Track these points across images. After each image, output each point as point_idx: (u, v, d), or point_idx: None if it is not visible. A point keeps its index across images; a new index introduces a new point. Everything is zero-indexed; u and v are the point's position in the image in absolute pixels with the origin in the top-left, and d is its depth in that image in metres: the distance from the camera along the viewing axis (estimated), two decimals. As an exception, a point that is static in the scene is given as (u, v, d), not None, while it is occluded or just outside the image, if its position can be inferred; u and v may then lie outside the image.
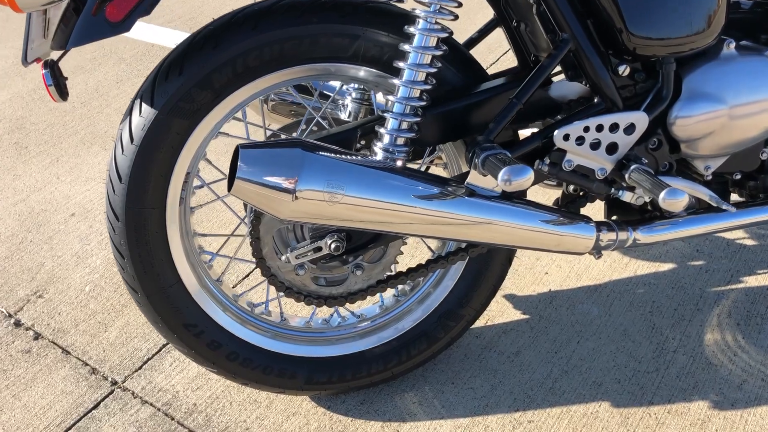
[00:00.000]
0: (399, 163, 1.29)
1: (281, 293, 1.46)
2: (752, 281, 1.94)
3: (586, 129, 1.31)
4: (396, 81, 1.29)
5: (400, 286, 1.64)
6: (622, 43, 1.31)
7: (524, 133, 1.44)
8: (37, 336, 1.96)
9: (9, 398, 1.79)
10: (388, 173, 1.22)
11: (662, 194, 1.25)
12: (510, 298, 1.94)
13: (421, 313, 1.63)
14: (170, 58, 1.36)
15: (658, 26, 1.30)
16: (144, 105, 1.36)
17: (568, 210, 1.41)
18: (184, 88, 1.34)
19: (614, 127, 1.33)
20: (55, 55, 1.37)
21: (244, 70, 1.35)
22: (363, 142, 1.36)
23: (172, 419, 1.70)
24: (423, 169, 1.67)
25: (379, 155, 1.30)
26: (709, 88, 1.36)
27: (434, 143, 1.38)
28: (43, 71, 1.34)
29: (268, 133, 1.54)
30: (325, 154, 1.17)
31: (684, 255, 2.04)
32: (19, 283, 2.14)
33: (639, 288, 1.94)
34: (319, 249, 1.39)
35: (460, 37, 1.61)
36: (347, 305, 1.64)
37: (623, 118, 1.32)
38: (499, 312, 1.89)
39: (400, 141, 1.31)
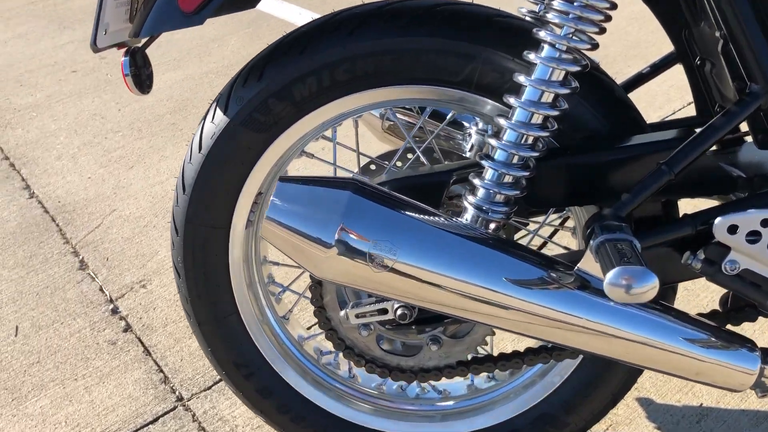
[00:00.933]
0: (491, 227, 0.99)
1: (339, 351, 1.22)
2: None
3: (765, 223, 0.92)
4: (502, 121, 0.99)
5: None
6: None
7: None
8: (127, 328, 1.89)
9: (81, 390, 1.73)
10: (464, 240, 0.92)
11: None
12: (644, 403, 1.54)
13: (516, 406, 1.31)
14: (255, 59, 1.17)
15: None
16: (218, 111, 1.18)
17: (721, 325, 1.02)
18: (261, 96, 1.14)
19: (810, 227, 0.93)
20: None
21: (331, 83, 1.12)
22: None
23: (222, 457, 1.53)
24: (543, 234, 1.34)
25: (468, 213, 1.00)
26: None
27: (546, 206, 1.06)
28: (123, 58, 1.21)
29: (364, 160, 1.30)
30: (383, 203, 0.91)
31: None
32: (130, 268, 2.10)
33: (828, 431, 1.45)
34: (384, 312, 1.12)
35: (626, 71, 1.26)
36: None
37: (826, 216, 0.92)
38: (625, 419, 1.50)
39: (499, 198, 1.01)
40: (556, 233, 1.43)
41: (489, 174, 1.00)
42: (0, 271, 2.14)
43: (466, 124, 1.40)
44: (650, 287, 0.80)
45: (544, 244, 1.38)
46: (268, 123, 1.15)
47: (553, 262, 0.97)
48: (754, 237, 0.93)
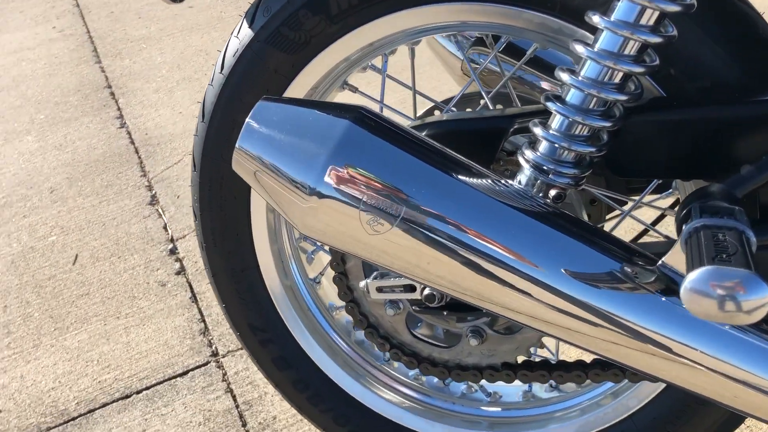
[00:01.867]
0: (551, 193, 0.73)
1: (361, 329, 1.00)
2: None
3: None
4: (580, 49, 0.71)
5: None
6: None
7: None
8: (180, 271, 1.77)
9: (120, 330, 1.62)
10: (501, 206, 0.66)
11: None
12: (756, 447, 1.21)
13: (577, 428, 1.04)
14: (296, -37, 0.95)
15: None
16: (245, 24, 0.98)
17: None
18: (291, 7, 0.92)
19: None
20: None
21: (376, -7, 0.88)
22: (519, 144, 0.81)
23: (243, 426, 1.37)
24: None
25: (523, 173, 0.74)
26: None
27: (634, 175, 0.78)
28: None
29: (425, 103, 1.05)
30: (395, 142, 0.66)
31: None
32: (197, 209, 1.98)
33: None
34: (411, 289, 0.89)
35: None
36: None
37: None
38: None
39: (567, 156, 0.74)
40: (662, 218, 1.13)
41: (556, 121, 0.73)
42: (75, 198, 2.10)
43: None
44: (756, 303, 0.52)
45: (643, 233, 1.08)
46: (298, 41, 0.94)
47: (632, 251, 0.70)
48: None
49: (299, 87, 0.98)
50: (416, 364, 0.99)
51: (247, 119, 0.70)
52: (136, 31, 3.15)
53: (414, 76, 1.02)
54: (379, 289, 0.92)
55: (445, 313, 0.88)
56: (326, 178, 0.64)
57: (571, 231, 0.68)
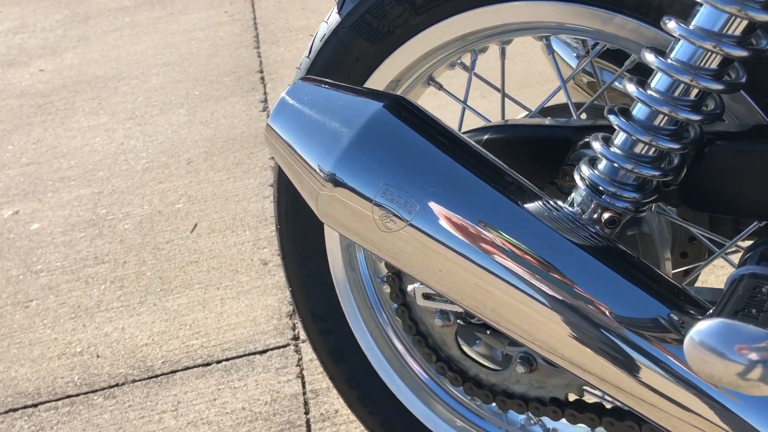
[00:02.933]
0: (604, 217, 0.65)
1: (409, 335, 0.96)
2: None
3: None
4: (651, 58, 0.63)
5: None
6: None
7: None
8: (283, 253, 1.80)
9: (217, 300, 1.69)
10: (534, 221, 0.60)
11: None
12: None
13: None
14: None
15: None
16: (334, 10, 0.97)
17: None
18: (377, -6, 0.90)
19: None
20: None
21: (463, -14, 0.84)
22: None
23: (305, 413, 1.37)
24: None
25: (577, 192, 0.67)
26: None
27: (707, 210, 0.68)
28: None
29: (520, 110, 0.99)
30: (428, 136, 0.61)
31: None
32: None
33: None
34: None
35: None
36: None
37: None
38: None
39: (628, 178, 0.65)
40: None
41: (619, 138, 0.65)
42: (207, 171, 2.21)
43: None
44: (755, 375, 0.42)
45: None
46: (382, 30, 0.91)
47: (685, 297, 0.60)
48: None
49: (380, 77, 0.95)
50: (461, 382, 0.93)
51: (281, 96, 0.69)
52: (298, 21, 3.28)
53: (503, 77, 0.96)
54: (426, 296, 0.88)
55: (488, 332, 0.82)
56: (343, 165, 0.61)
57: (612, 261, 0.60)
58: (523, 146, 0.76)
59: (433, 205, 0.60)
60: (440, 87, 1.00)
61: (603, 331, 0.58)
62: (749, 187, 0.65)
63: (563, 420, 1.04)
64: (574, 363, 0.61)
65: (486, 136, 0.78)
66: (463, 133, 0.81)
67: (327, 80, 0.73)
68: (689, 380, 0.53)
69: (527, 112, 0.98)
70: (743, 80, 0.62)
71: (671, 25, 0.61)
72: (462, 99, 0.97)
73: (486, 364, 0.92)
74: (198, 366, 1.52)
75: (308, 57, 0.99)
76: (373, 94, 0.67)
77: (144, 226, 2.00)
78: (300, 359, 1.49)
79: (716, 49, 0.58)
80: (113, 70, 3.09)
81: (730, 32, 0.58)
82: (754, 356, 0.42)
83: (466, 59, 0.97)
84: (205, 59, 3.06)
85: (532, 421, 1.07)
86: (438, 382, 1.10)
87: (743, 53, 0.58)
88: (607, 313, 0.57)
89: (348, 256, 1.10)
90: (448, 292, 0.64)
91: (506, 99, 0.98)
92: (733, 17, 0.57)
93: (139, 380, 1.50)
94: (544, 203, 0.64)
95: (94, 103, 2.82)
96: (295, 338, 1.55)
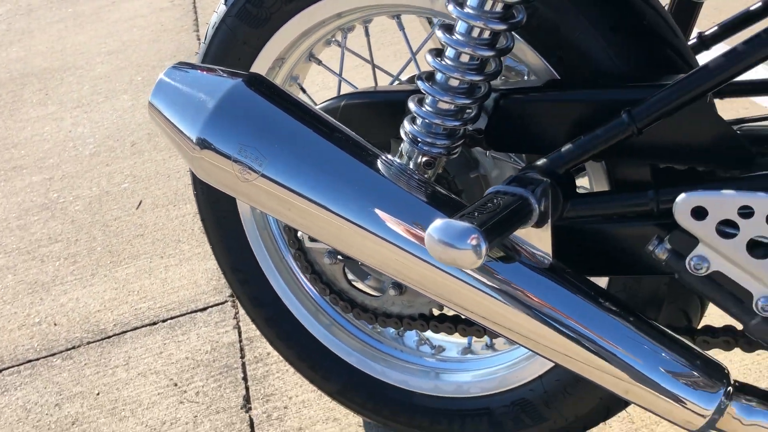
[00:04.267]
0: (423, 160, 0.83)
1: (306, 274, 1.14)
2: None
3: (746, 212, 0.65)
4: (440, 34, 0.80)
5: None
6: None
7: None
8: (221, 222, 1.97)
9: (162, 267, 1.85)
10: (357, 165, 0.77)
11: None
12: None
13: (496, 384, 1.13)
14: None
15: None
16: (222, 1, 1.13)
17: (685, 339, 0.75)
18: (254, -13, 1.06)
19: (813, 230, 0.63)
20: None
21: (318, -22, 1.00)
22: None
23: (242, 357, 1.55)
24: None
25: (403, 144, 0.85)
26: None
27: (504, 149, 0.86)
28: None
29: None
30: (277, 105, 0.79)
31: None
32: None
33: None
34: (331, 240, 1.01)
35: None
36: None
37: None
38: (661, 439, 1.23)
39: (438, 130, 0.83)
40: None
41: (428, 99, 0.83)
42: (151, 152, 2.36)
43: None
44: (465, 252, 0.60)
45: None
46: (261, 17, 1.07)
47: (454, 204, 0.78)
48: (728, 230, 0.66)
49: (266, 57, 1.11)
50: (350, 309, 1.12)
51: (159, 77, 0.85)
52: (235, 2, 3.40)
53: (371, 50, 1.13)
54: (311, 239, 1.05)
55: (360, 263, 1.00)
56: (207, 131, 0.78)
57: (411, 189, 0.78)
58: (370, 110, 0.94)
59: (278, 158, 0.77)
60: (319, 62, 1.16)
61: (403, 243, 0.76)
62: (533, 129, 0.83)
63: (439, 335, 1.23)
64: (399, 274, 0.79)
65: (342, 103, 0.96)
66: (324, 101, 0.99)
67: (196, 64, 0.89)
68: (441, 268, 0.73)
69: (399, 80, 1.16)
70: (512, 45, 0.80)
71: (450, 7, 0.78)
72: (338, 72, 1.14)
73: (369, 292, 1.10)
74: (146, 326, 1.69)
75: (204, 43, 1.15)
76: (233, 74, 0.84)
77: (93, 206, 2.15)
78: (237, 313, 1.67)
79: (481, 25, 0.76)
80: (59, 60, 3.20)
81: (493, 10, 0.76)
82: (462, 243, 0.60)
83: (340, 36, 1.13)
84: (147, 45, 3.18)
85: (423, 342, 1.26)
86: (347, 318, 1.29)
87: (503, 26, 0.76)
88: (403, 230, 0.75)
89: (257, 212, 1.27)
90: (305, 229, 0.82)
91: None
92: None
93: (93, 342, 1.67)
94: (373, 154, 0.81)
95: (42, 94, 2.93)
96: (232, 295, 1.72)
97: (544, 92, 0.83)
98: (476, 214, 0.64)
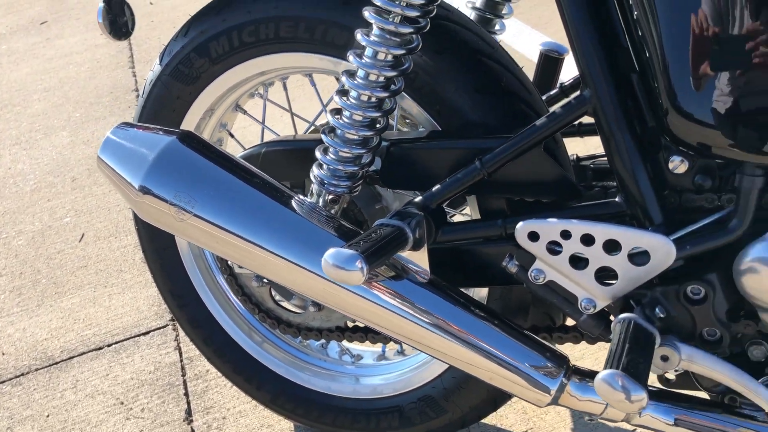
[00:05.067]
0: (329, 198, 1.01)
1: (238, 296, 1.31)
2: None
3: (566, 234, 0.85)
4: (337, 98, 0.99)
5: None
6: (661, 117, 0.80)
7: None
8: (161, 251, 2.11)
9: (105, 296, 1.98)
10: (273, 205, 0.95)
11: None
12: (575, 414, 1.45)
13: (405, 384, 1.32)
14: (192, 16, 1.26)
15: (724, 102, 0.76)
16: (158, 60, 1.30)
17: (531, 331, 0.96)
18: (185, 51, 1.23)
19: (612, 247, 0.84)
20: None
21: (240, 44, 1.18)
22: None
23: (183, 375, 1.70)
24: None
25: (314, 186, 1.03)
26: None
27: (395, 187, 1.05)
28: (100, 5, 1.35)
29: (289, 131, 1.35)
30: (206, 157, 0.96)
31: None
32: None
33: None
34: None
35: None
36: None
37: (629, 237, 0.83)
38: (549, 425, 1.44)
39: (340, 173, 1.02)
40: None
41: (331, 149, 1.02)
42: (91, 186, 2.48)
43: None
44: (351, 272, 0.79)
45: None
46: (192, 76, 1.25)
47: (345, 231, 0.97)
48: (555, 249, 0.87)
49: (197, 109, 1.29)
50: (276, 326, 1.29)
51: (107, 135, 1.02)
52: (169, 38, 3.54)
53: (288, 101, 1.32)
54: (240, 266, 1.22)
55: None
56: (147, 179, 0.95)
57: (320, 223, 0.96)
58: (285, 156, 1.12)
59: (207, 201, 0.94)
60: (245, 112, 1.34)
61: (311, 266, 0.93)
62: (417, 171, 1.03)
63: (357, 345, 1.42)
64: (310, 293, 0.97)
65: (263, 150, 1.14)
66: (248, 148, 1.17)
67: (138, 123, 1.06)
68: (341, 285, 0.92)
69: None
70: (395, 107, 0.99)
71: (344, 79, 0.98)
72: (261, 120, 1.32)
73: (293, 309, 1.28)
74: (92, 351, 1.81)
75: (142, 97, 1.31)
76: (168, 131, 1.01)
77: (36, 240, 2.26)
78: (177, 335, 1.81)
79: (371, 94, 0.96)
80: (-5, 98, 3.28)
81: (378, 80, 0.96)
82: (349, 265, 0.79)
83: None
84: (83, 82, 3.29)
85: (344, 352, 1.44)
86: (274, 333, 1.46)
87: (385, 94, 0.96)
88: (310, 256, 0.93)
89: (194, 245, 1.43)
90: (232, 259, 0.98)
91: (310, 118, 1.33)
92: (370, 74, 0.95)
93: (41, 368, 1.79)
94: (286, 194, 1.00)
95: (-21, 132, 3.01)
96: (173, 319, 1.86)
97: (426, 141, 1.03)
98: (361, 242, 0.83)
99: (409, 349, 1.38)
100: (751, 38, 0.73)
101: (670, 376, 0.99)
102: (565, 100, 0.90)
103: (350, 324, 1.25)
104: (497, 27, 1.32)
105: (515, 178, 0.93)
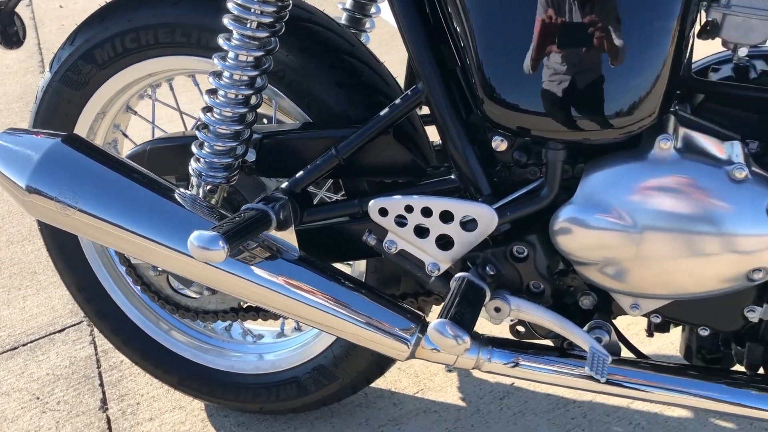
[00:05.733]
0: (208, 188, 1.11)
1: (138, 285, 1.40)
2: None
3: (409, 209, 0.98)
4: (207, 98, 1.10)
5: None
6: (479, 105, 0.94)
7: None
8: (74, 252, 2.17)
9: (19, 299, 2.03)
10: (151, 196, 1.05)
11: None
12: (462, 374, 1.60)
13: (301, 357, 1.43)
14: (78, 25, 1.34)
15: (527, 89, 0.90)
16: (47, 69, 1.37)
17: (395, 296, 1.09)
18: (72, 58, 1.31)
19: (447, 217, 0.97)
20: None
21: (123, 50, 1.27)
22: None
23: (98, 367, 1.77)
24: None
25: (193, 178, 1.13)
26: (612, 198, 0.92)
27: (269, 175, 1.16)
28: (-13, 16, 1.41)
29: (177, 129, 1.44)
30: (91, 157, 1.05)
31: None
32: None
33: (616, 426, 1.45)
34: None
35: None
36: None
37: (459, 208, 0.96)
38: (437, 386, 1.58)
39: (216, 166, 1.12)
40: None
41: (206, 143, 1.12)
42: (2, 192, 2.50)
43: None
44: (214, 252, 0.90)
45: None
46: (81, 81, 1.33)
47: (217, 215, 1.08)
48: (401, 221, 1.00)
49: (89, 112, 1.37)
50: (176, 311, 1.38)
51: (-6, 142, 1.10)
52: (79, 42, 3.54)
53: (176, 100, 1.41)
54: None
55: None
56: (33, 179, 1.04)
57: (182, 204, 1.07)
58: (168, 152, 1.22)
59: (89, 196, 1.03)
60: (135, 113, 1.43)
61: (180, 251, 1.04)
62: (288, 159, 1.14)
63: (259, 325, 1.52)
64: (192, 276, 1.07)
65: (148, 147, 1.23)
66: (135, 147, 1.26)
67: (24, 129, 1.14)
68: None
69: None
70: (260, 102, 1.11)
71: (211, 79, 1.08)
72: (151, 120, 1.41)
73: (190, 295, 1.37)
74: (7, 351, 1.87)
75: (35, 103, 1.38)
76: (52, 134, 1.10)
77: (-52, 248, 2.27)
78: (92, 330, 1.88)
79: (230, 100, 1.06)
80: None
81: (241, 79, 1.06)
82: (212, 245, 0.90)
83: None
84: (-8, 89, 3.27)
85: (246, 333, 1.55)
86: (179, 320, 1.55)
87: (251, 91, 1.07)
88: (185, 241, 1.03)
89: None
90: (118, 249, 1.08)
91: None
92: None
93: (-43, 371, 1.83)
94: (165, 187, 1.09)
95: None
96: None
97: (293, 132, 1.14)
98: (224, 225, 0.94)
99: (305, 326, 1.49)
100: (546, 34, 0.87)
101: (521, 328, 1.13)
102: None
103: (243, 305, 1.36)
104: (367, 26, 1.44)
105: (369, 163, 1.05)
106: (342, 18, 1.43)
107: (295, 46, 1.16)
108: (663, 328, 1.14)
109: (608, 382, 1.01)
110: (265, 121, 1.38)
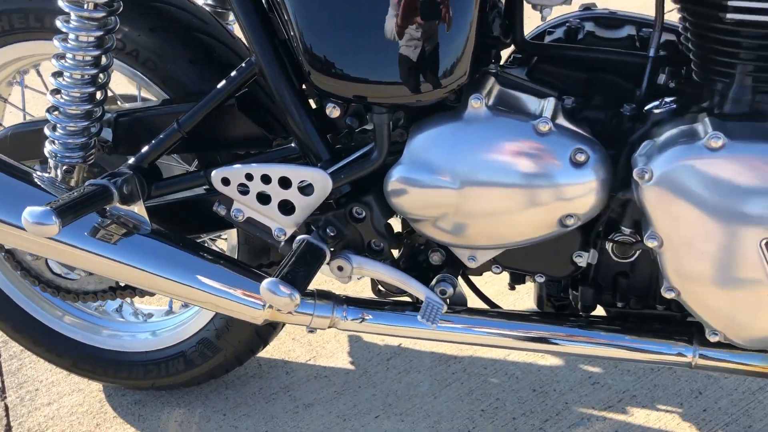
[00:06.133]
0: (65, 169, 1.14)
1: (17, 270, 1.41)
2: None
3: (249, 177, 1.03)
4: (52, 80, 1.12)
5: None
6: (307, 74, 0.98)
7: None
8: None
9: None
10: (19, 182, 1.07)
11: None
12: (352, 339, 1.66)
13: (185, 332, 1.47)
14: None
15: (346, 58, 0.95)
16: None
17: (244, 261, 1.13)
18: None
19: (285, 183, 1.02)
20: None
21: (-19, 35, 1.28)
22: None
23: (-1, 357, 1.78)
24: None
25: (51, 161, 1.15)
26: (434, 157, 0.97)
27: (126, 153, 1.19)
28: None
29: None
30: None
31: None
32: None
33: (493, 377, 1.53)
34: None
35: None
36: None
37: (295, 174, 1.01)
38: (328, 352, 1.63)
39: (72, 146, 1.15)
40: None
41: (58, 126, 1.14)
42: None
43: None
44: (46, 226, 0.93)
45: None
46: (-58, 65, 1.33)
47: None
48: (243, 189, 1.04)
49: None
50: (57, 293, 1.41)
51: None
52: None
53: (45, 85, 1.42)
54: None
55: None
56: None
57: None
58: (28, 135, 1.24)
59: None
60: (5, 100, 1.44)
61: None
62: (145, 135, 1.17)
63: (148, 304, 1.55)
64: (41, 252, 1.10)
65: (9, 132, 1.25)
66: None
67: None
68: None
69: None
70: (107, 81, 1.13)
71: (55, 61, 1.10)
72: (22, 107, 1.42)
73: (69, 277, 1.39)
74: None
75: None
76: None
77: None
78: (-8, 321, 1.88)
79: (83, 73, 1.09)
80: None
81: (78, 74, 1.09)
82: (44, 220, 0.93)
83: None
84: None
85: (137, 313, 1.58)
86: (71, 305, 1.57)
87: (95, 71, 1.09)
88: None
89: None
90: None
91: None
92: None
93: None
94: (22, 171, 1.12)
95: None
96: (-11, 307, 1.93)
97: (144, 110, 1.17)
98: (59, 201, 0.97)
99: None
100: (360, 3, 0.92)
101: (382, 288, 1.19)
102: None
103: (121, 284, 1.38)
104: (231, 18, 1.46)
105: (216, 135, 1.10)
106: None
107: (147, 26, 1.19)
108: (519, 279, 1.21)
109: (457, 331, 1.08)
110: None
